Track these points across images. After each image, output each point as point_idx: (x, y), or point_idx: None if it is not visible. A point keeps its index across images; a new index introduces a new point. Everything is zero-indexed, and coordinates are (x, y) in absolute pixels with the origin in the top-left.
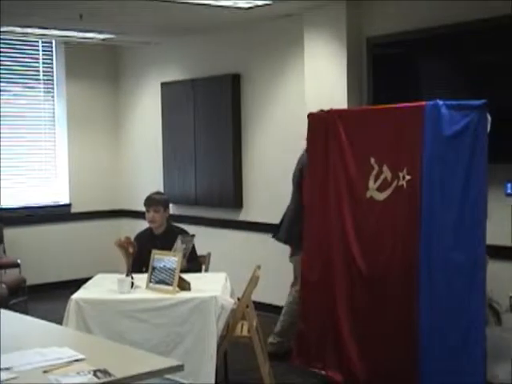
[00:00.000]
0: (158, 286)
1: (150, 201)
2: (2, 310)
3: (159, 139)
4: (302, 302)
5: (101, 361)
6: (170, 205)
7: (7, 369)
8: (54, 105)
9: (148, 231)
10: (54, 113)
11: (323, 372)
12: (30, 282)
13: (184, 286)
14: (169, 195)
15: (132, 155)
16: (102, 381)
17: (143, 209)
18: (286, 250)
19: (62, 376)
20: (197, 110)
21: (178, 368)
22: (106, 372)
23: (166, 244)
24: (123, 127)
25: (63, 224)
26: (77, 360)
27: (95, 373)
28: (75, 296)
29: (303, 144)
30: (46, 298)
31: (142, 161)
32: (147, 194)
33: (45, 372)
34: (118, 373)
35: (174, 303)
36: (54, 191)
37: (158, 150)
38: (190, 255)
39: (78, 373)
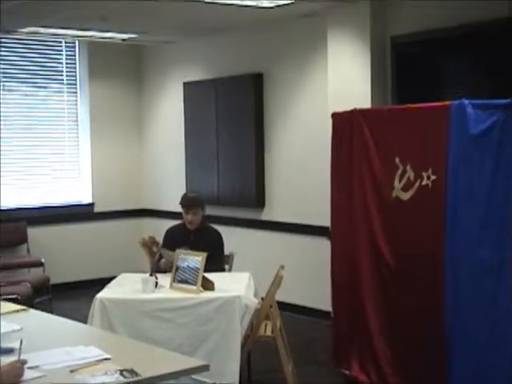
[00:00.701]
0: (181, 285)
1: (189, 202)
2: (30, 310)
3: (182, 139)
4: (333, 303)
5: (127, 360)
6: None
7: (34, 367)
8: (77, 105)
9: (182, 227)
10: (77, 113)
11: (349, 372)
12: (54, 280)
13: (208, 285)
14: None
15: (155, 155)
16: (128, 380)
17: (166, 208)
18: (309, 249)
19: (89, 376)
20: (219, 110)
21: (204, 368)
22: (132, 372)
23: (199, 240)
24: (146, 127)
25: (86, 223)
26: (103, 359)
27: (122, 372)
28: (100, 295)
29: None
30: (70, 296)
31: (164, 160)
32: (170, 193)
33: (72, 371)
34: (145, 372)
35: (198, 303)
36: (77, 191)
37: (180, 149)
38: (216, 254)
39: (105, 372)
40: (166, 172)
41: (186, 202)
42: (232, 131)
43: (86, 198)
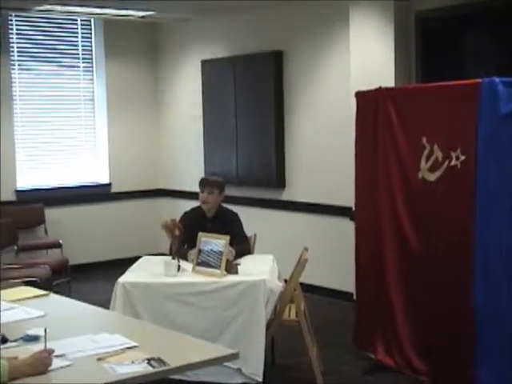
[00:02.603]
0: (204, 269)
1: (205, 181)
2: (51, 294)
3: (200, 119)
4: (357, 284)
5: (153, 348)
6: None
7: (61, 356)
8: (93, 83)
9: (199, 211)
10: (93, 92)
11: (374, 356)
12: (72, 262)
13: (231, 269)
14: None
15: (172, 134)
16: (157, 370)
17: (183, 188)
18: (331, 230)
19: (117, 364)
20: (238, 88)
21: (233, 357)
22: (160, 360)
23: (217, 228)
24: (163, 105)
25: (103, 204)
26: (130, 347)
27: (149, 361)
28: (122, 279)
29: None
30: (88, 278)
31: (182, 140)
32: (187, 173)
33: (99, 360)
34: (173, 361)
35: (222, 287)
36: (94, 171)
37: (198, 128)
38: (239, 236)
39: (132, 361)
40: (183, 151)
41: (202, 180)
42: (251, 109)
43: (103, 179)
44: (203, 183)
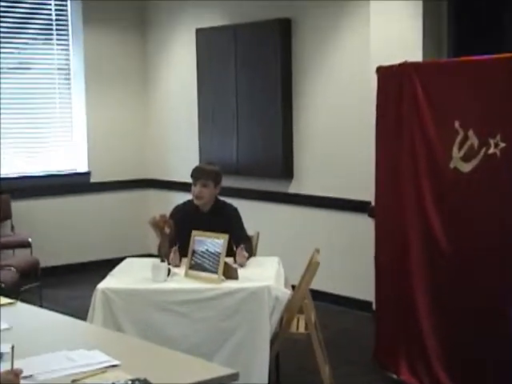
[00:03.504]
0: (199, 273)
1: (199, 172)
2: (18, 303)
3: (194, 97)
4: (377, 292)
5: (138, 367)
6: None
7: (29, 377)
8: (69, 58)
9: (192, 206)
10: (69, 67)
11: (397, 376)
12: (44, 264)
13: (231, 273)
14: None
15: (162, 116)
16: None
17: (175, 178)
18: (346, 229)
19: None
20: (239, 63)
21: (232, 377)
22: (146, 382)
23: (214, 225)
24: (151, 83)
25: (81, 196)
26: (110, 366)
27: (133, 383)
28: (102, 285)
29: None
30: (63, 283)
31: (173, 123)
32: (179, 161)
33: (74, 381)
34: (161, 382)
35: (220, 294)
36: (70, 157)
37: (192, 109)
38: (239, 235)
39: (113, 383)
40: (175, 136)
41: (194, 171)
42: (254, 87)
43: (80, 167)
44: (196, 174)
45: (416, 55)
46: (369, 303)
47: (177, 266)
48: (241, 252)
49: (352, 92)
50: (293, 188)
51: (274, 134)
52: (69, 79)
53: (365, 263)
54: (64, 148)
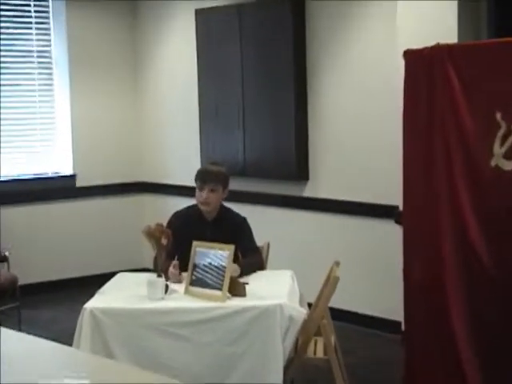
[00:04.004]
0: (201, 290)
1: (207, 175)
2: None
3: (194, 88)
4: (406, 310)
5: None
6: None
7: None
8: (50, 44)
9: (194, 212)
10: (50, 55)
11: None
12: (23, 281)
13: (237, 290)
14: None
15: (157, 110)
16: None
17: (173, 181)
18: (370, 237)
19: None
20: (245, 48)
21: None
22: None
23: (219, 235)
24: (145, 73)
25: (65, 202)
26: None
27: None
28: (90, 304)
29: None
30: (45, 303)
31: (170, 117)
32: (178, 161)
33: None
34: None
35: (225, 314)
36: (53, 159)
37: (192, 102)
38: (248, 247)
39: None
40: (172, 133)
41: (201, 174)
42: (263, 76)
43: (64, 169)
44: (203, 178)
45: (450, 37)
46: (397, 323)
47: (178, 282)
48: (233, 265)
49: (375, 80)
50: (308, 191)
51: (286, 128)
52: (50, 68)
53: (392, 277)
54: (45, 148)
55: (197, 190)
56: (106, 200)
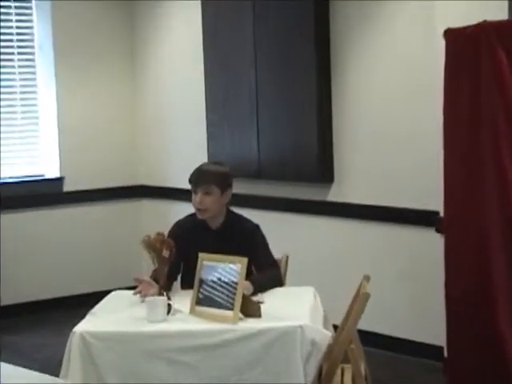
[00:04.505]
0: (209, 310)
1: (198, 176)
2: None
3: (200, 80)
4: (449, 335)
5: None
6: None
7: None
8: (33, 29)
9: (198, 221)
10: (33, 41)
11: None
12: (3, 301)
13: (251, 309)
14: None
15: (156, 104)
16: None
17: (175, 185)
18: (405, 248)
19: None
20: (259, 34)
21: None
22: None
23: (227, 245)
24: (143, 61)
25: (51, 209)
26: None
27: None
28: (80, 328)
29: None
30: (29, 326)
31: (171, 112)
32: (181, 163)
33: None
34: None
35: (237, 338)
36: (36, 160)
37: (197, 96)
38: (263, 260)
39: None
40: (174, 130)
41: (194, 175)
42: (280, 66)
43: (50, 171)
44: (194, 179)
45: (498, 13)
46: (437, 348)
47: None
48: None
49: (411, 65)
50: (333, 195)
51: (307, 123)
52: (33, 59)
53: (431, 294)
54: (27, 146)
55: (192, 195)
56: (98, 206)
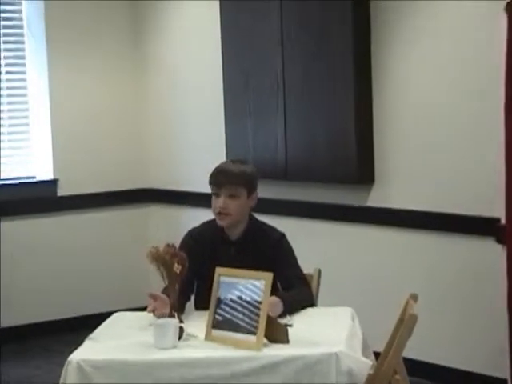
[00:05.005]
0: (228, 334)
1: (222, 176)
2: None
3: (217, 65)
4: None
5: None
6: None
7: None
8: (21, 6)
9: (215, 229)
10: (22, 24)
11: None
12: None
13: (277, 333)
14: None
15: (167, 95)
16: None
17: (186, 188)
18: (460, 261)
19: None
20: (287, 15)
21: None
22: None
23: (248, 261)
24: (149, 49)
25: (43, 216)
26: None
27: None
28: (77, 356)
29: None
30: (19, 353)
31: (184, 104)
32: (195, 162)
33: None
34: None
35: (261, 367)
36: (26, 159)
37: (214, 83)
38: (291, 275)
39: None
40: (187, 125)
41: (217, 174)
42: (311, 51)
43: (42, 172)
44: (217, 179)
45: None
46: (500, 381)
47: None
48: (271, 300)
49: (466, 46)
50: (374, 199)
51: (343, 115)
52: (21, 36)
53: (491, 316)
54: (15, 143)
55: (212, 198)
56: (99, 214)
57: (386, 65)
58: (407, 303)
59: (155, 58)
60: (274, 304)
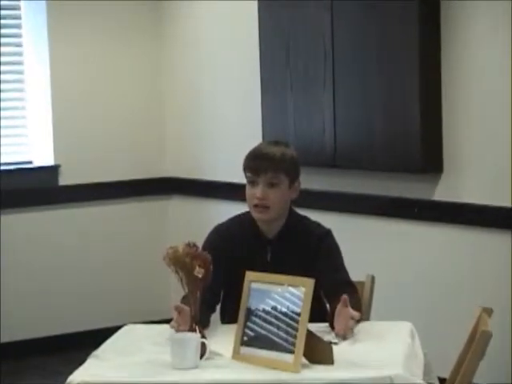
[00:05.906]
0: (260, 353)
1: (262, 161)
2: None
3: (252, 33)
4: None
5: None
6: None
7: None
8: None
9: (245, 226)
10: None
11: None
12: None
13: (320, 353)
14: None
15: (191, 69)
16: None
17: (213, 178)
18: None
19: None
20: None
21: None
22: None
23: (286, 263)
24: (173, 13)
25: (42, 209)
26: None
27: None
28: (78, 376)
29: None
30: (15, 372)
31: (212, 80)
32: (224, 148)
33: None
34: None
35: None
36: (22, 143)
37: (249, 54)
38: (337, 280)
39: None
40: (215, 104)
41: (254, 158)
42: (364, 13)
43: (41, 158)
44: (256, 164)
45: None
46: None
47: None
48: (346, 311)
49: None
50: (441, 192)
51: (404, 91)
52: (18, 12)
53: None
54: (11, 122)
55: (247, 187)
56: (108, 207)
57: (453, 51)
58: (479, 317)
59: (180, 26)
60: (356, 317)
